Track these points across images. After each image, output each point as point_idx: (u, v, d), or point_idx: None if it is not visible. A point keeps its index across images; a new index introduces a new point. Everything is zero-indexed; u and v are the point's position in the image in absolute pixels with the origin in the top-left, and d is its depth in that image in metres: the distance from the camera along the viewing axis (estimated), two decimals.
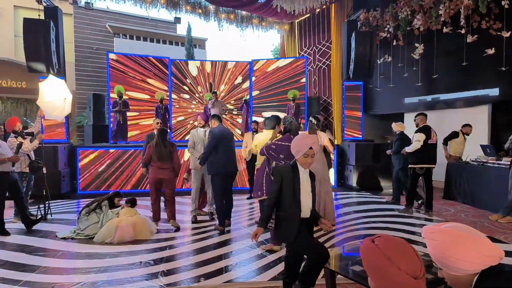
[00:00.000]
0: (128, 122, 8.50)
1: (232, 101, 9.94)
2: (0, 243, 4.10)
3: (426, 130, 5.35)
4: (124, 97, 8.43)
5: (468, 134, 6.79)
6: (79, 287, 2.95)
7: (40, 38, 6.83)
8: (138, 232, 4.28)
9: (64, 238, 4.27)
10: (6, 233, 4.40)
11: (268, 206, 2.55)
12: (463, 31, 7.11)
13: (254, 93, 9.86)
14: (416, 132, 5.43)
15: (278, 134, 4.05)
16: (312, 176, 2.57)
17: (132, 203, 4.66)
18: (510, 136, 6.06)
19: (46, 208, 5.14)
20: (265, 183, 3.87)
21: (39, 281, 3.06)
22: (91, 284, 3.00)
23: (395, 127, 6.45)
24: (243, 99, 9.31)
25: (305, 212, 2.49)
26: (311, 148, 2.39)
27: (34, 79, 8.91)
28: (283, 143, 3.74)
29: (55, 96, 5.09)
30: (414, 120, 5.68)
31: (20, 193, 4.62)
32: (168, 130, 5.38)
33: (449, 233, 1.14)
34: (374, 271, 1.07)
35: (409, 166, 5.60)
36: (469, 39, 7.06)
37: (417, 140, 5.29)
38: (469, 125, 6.78)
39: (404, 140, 6.09)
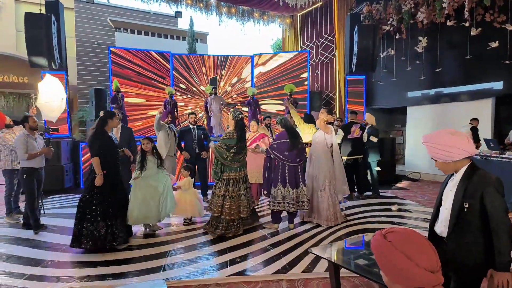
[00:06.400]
0: (132, 116, 8.47)
1: (235, 95, 9.91)
2: (6, 237, 4.14)
3: (347, 127, 6.17)
4: (122, 90, 8.26)
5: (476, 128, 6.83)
6: (85, 280, 2.98)
7: (41, 32, 6.82)
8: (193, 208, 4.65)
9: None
10: (41, 226, 4.40)
11: None
12: (467, 24, 7.05)
13: (256, 87, 9.82)
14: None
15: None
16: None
17: (189, 170, 4.96)
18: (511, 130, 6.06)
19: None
20: (267, 183, 4.40)
21: (45, 274, 3.09)
22: (96, 277, 3.03)
23: (370, 119, 6.47)
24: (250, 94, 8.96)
25: None
26: None
27: (36, 74, 8.92)
28: (283, 140, 3.96)
29: (53, 97, 5.04)
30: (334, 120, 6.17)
31: (38, 191, 4.51)
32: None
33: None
34: (390, 267, 1.04)
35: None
36: (473, 32, 7.00)
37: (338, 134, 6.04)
38: (477, 119, 6.83)
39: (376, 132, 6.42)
